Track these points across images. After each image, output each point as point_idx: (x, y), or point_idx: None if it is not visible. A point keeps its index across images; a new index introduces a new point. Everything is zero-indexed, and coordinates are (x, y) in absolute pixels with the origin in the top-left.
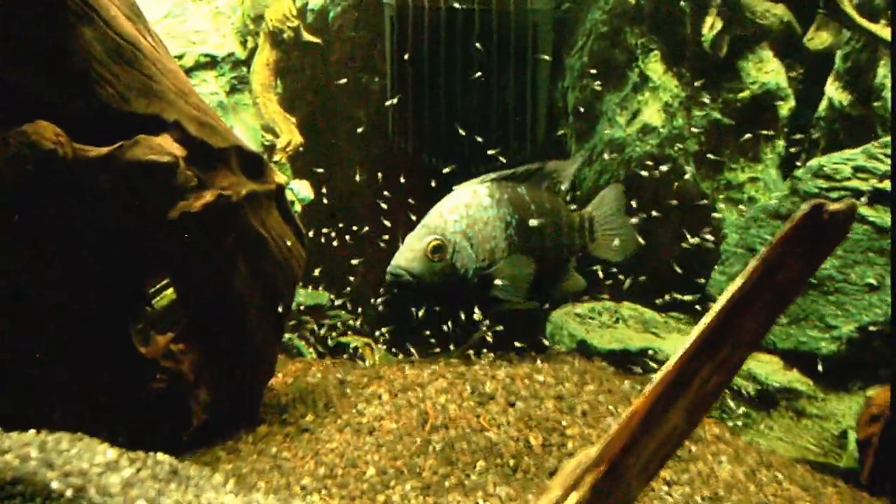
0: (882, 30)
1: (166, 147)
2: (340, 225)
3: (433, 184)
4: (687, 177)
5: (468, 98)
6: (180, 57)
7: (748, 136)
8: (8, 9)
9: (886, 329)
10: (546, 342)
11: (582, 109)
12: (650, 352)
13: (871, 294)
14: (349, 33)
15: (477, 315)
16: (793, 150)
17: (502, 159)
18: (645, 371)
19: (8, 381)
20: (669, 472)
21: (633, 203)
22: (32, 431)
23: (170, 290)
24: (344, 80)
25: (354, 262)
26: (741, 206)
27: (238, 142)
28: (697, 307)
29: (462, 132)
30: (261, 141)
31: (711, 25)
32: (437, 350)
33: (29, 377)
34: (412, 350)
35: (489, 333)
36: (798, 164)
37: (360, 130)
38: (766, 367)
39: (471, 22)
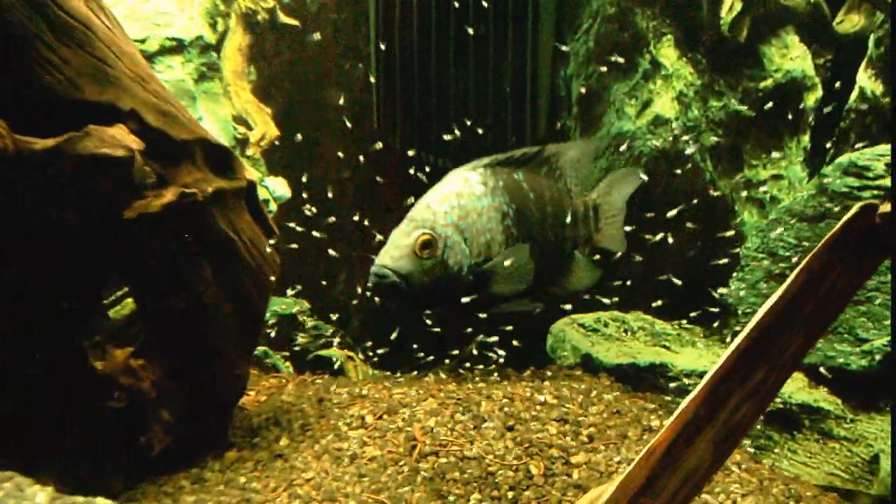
0: None
1: (121, 139)
2: (320, 227)
3: (424, 180)
4: (694, 162)
5: (461, 87)
6: (143, 41)
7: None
8: None
9: None
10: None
11: (587, 99)
12: (662, 368)
13: None
14: (330, 15)
15: (470, 327)
16: (822, 144)
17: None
18: (656, 389)
19: None
20: None
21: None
22: None
23: (129, 300)
24: (324, 68)
25: (338, 270)
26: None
27: (203, 134)
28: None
29: (454, 124)
30: (232, 134)
31: (731, 7)
32: (430, 358)
33: None
34: (398, 366)
35: (494, 348)
36: (826, 159)
37: (342, 122)
38: (789, 385)
39: (464, 1)
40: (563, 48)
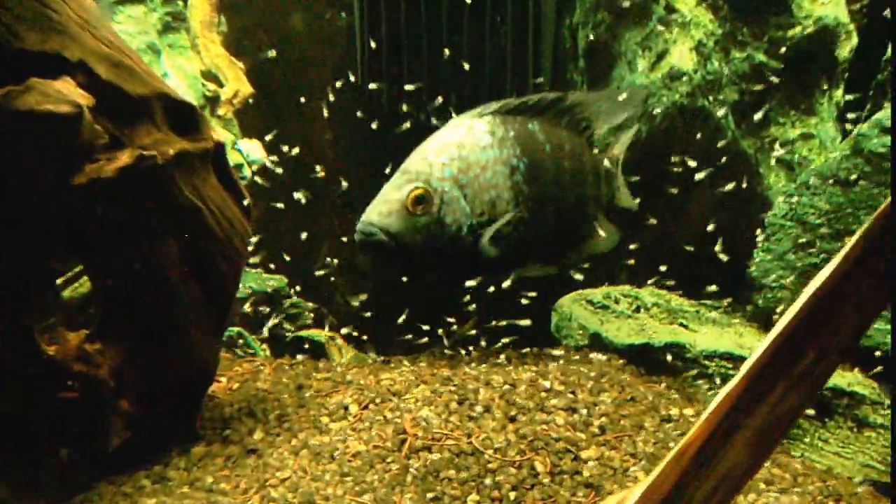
0: None
1: (67, 93)
2: (300, 193)
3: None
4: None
5: (456, 36)
6: None
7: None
8: None
9: None
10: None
11: (594, 50)
12: (679, 348)
13: None
14: None
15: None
16: (857, 99)
17: None
18: (674, 372)
19: None
20: None
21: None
22: None
23: (84, 278)
24: (303, 17)
25: (320, 241)
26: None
27: (164, 88)
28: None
29: (448, 80)
30: (201, 91)
31: None
32: (423, 340)
33: None
34: (387, 348)
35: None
36: (862, 116)
37: (323, 78)
38: None
39: None
40: None
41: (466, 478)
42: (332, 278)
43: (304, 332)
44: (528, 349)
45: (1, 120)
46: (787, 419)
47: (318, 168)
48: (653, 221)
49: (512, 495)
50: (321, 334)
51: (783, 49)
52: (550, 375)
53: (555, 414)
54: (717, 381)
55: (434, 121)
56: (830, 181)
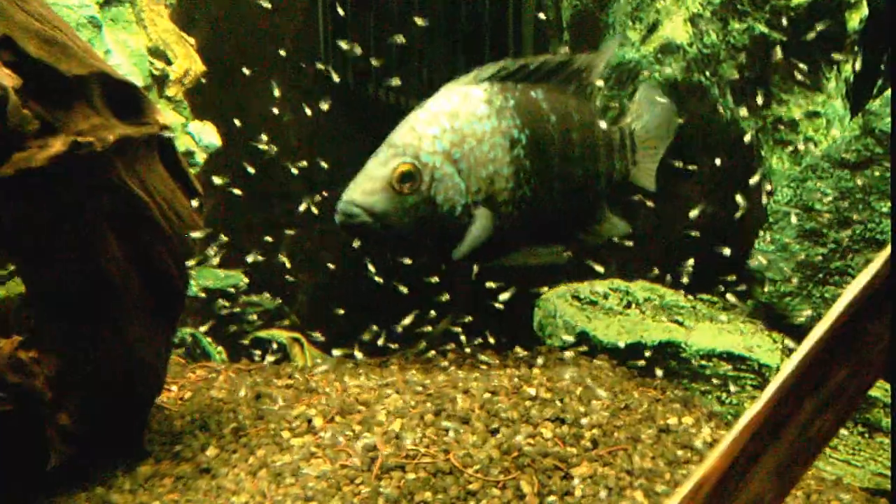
0: None
1: None
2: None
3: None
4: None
5: (428, 7)
6: None
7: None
8: None
9: None
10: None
11: (580, 21)
12: (674, 348)
13: None
14: None
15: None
16: (867, 75)
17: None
18: (669, 375)
19: None
20: None
21: None
22: None
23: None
24: None
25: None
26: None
27: (103, 68)
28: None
29: (420, 53)
30: (148, 70)
31: None
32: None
33: None
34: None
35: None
36: (872, 93)
37: (282, 53)
38: None
39: None
40: None
41: (445, 501)
42: (293, 276)
43: (263, 333)
44: (509, 350)
45: None
46: (817, 443)
47: (271, 148)
48: (650, 204)
49: None
50: (283, 335)
51: (786, 19)
52: (535, 381)
53: (541, 426)
54: (715, 382)
55: (403, 101)
56: (838, 164)
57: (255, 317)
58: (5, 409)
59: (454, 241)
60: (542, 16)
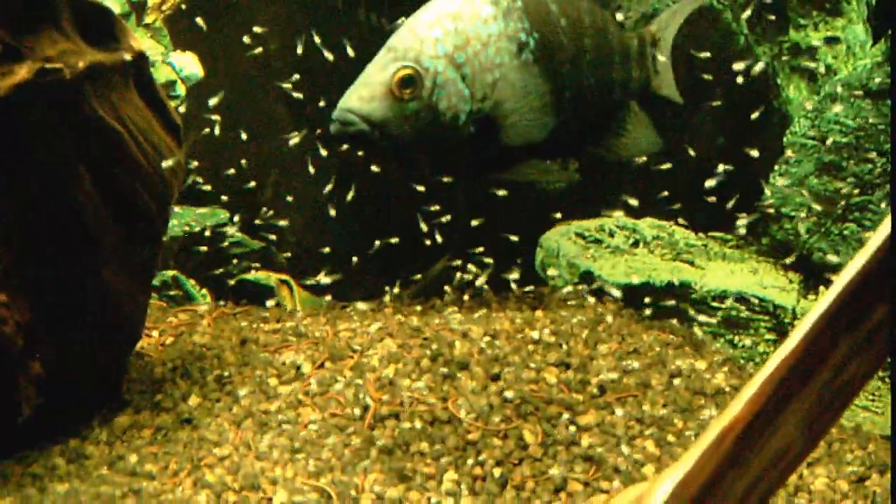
0: None
1: None
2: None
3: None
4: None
5: None
6: None
7: None
8: None
9: None
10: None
11: None
12: (684, 288)
13: None
14: None
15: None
16: None
17: None
18: (680, 317)
19: None
20: None
21: None
22: None
23: None
24: None
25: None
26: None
27: None
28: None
29: None
30: None
31: None
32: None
33: None
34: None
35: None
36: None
37: None
38: None
39: None
40: None
41: (442, 451)
42: (282, 216)
43: (249, 275)
44: (509, 291)
45: None
46: (851, 389)
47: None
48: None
49: (497, 472)
50: (270, 277)
51: None
52: (538, 323)
53: (545, 371)
54: (728, 324)
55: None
56: (859, 93)
57: (245, 256)
58: None
59: (458, 152)
60: None
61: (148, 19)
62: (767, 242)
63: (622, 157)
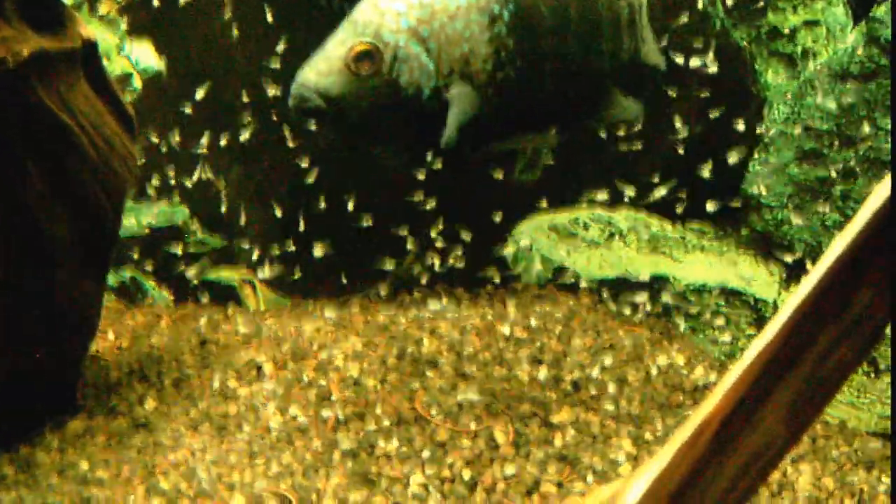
0: None
1: None
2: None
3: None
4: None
5: None
6: None
7: None
8: None
9: None
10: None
11: None
12: (661, 282)
13: None
14: None
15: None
16: None
17: None
18: (655, 311)
19: None
20: None
21: None
22: None
23: None
24: None
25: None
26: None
27: None
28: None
29: None
30: None
31: None
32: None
33: None
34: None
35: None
36: None
37: None
38: None
39: None
40: None
41: (409, 453)
42: (243, 212)
43: (211, 275)
44: (480, 287)
45: None
46: (834, 380)
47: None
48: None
49: (466, 474)
50: (232, 275)
51: None
52: (509, 319)
53: (517, 368)
54: (707, 318)
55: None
56: (840, 77)
57: (206, 255)
58: None
59: (424, 128)
60: None
61: (102, 9)
62: (747, 233)
63: (609, 124)
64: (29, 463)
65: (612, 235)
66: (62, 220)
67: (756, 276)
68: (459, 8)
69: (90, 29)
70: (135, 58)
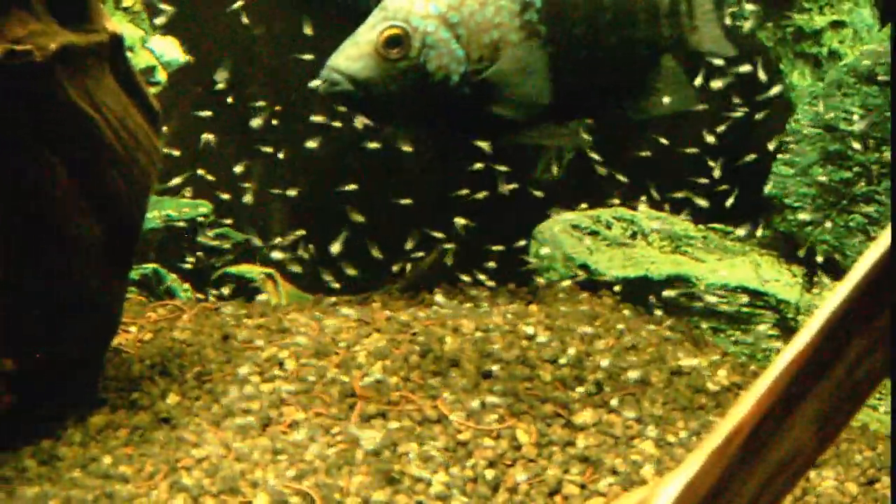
0: None
1: None
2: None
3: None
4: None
5: None
6: None
7: None
8: None
9: None
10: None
11: None
12: (684, 282)
13: None
14: None
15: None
16: None
17: None
18: (679, 311)
19: None
20: None
21: None
22: None
23: None
24: None
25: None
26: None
27: None
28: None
29: None
30: None
31: None
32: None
33: None
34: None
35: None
36: None
37: None
38: None
39: None
40: None
41: (431, 452)
42: (266, 207)
43: (233, 269)
44: (502, 285)
45: None
46: (865, 388)
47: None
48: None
49: (489, 474)
50: (254, 270)
51: None
52: (532, 318)
53: (539, 368)
54: (729, 319)
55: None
56: (866, 80)
57: (228, 249)
58: None
59: (452, 114)
60: None
61: (126, 2)
62: (770, 234)
63: (653, 115)
64: (51, 456)
65: (634, 235)
66: (87, 215)
67: (778, 278)
68: None
69: (117, 24)
70: (158, 51)
